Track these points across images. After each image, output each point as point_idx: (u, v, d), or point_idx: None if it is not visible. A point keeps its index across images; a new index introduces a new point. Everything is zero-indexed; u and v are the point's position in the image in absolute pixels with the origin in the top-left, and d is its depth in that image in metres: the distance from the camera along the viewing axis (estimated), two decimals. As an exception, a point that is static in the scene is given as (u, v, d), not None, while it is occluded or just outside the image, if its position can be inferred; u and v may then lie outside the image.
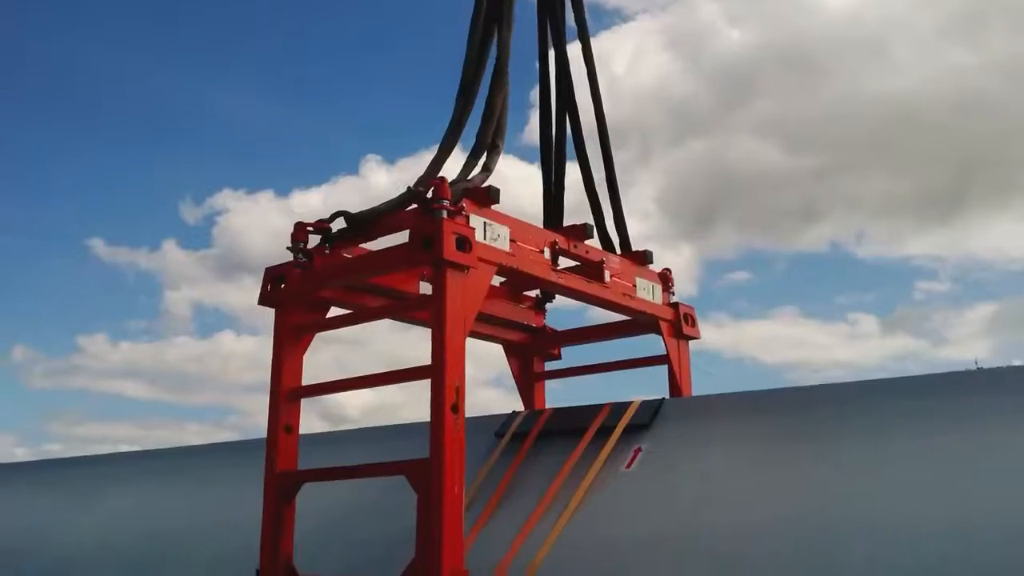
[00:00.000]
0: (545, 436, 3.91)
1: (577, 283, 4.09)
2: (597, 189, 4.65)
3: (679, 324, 4.61)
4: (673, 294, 4.69)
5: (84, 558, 5.02)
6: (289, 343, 3.65)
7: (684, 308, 4.68)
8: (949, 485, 2.79)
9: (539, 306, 5.00)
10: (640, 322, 4.58)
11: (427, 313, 3.32)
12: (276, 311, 3.70)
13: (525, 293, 4.91)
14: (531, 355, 5.02)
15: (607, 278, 4.23)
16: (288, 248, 3.73)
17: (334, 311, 3.83)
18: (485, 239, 3.56)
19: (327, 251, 3.74)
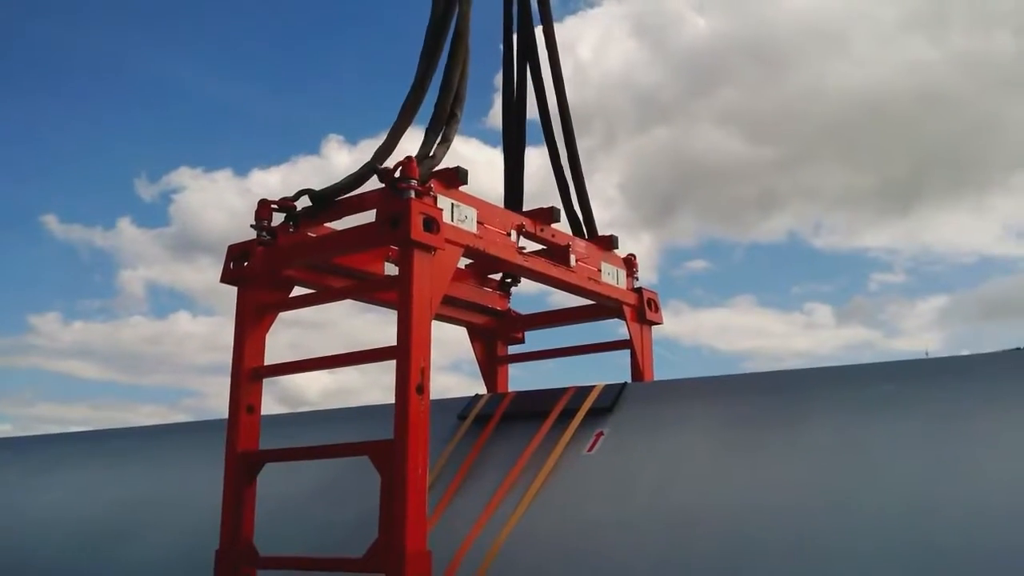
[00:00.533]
0: (508, 419, 3.92)
1: (543, 266, 4.10)
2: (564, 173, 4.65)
3: (643, 309, 4.64)
4: (637, 279, 4.72)
5: (36, 539, 4.93)
6: (251, 322, 3.60)
7: (648, 293, 4.71)
8: (909, 468, 2.85)
9: (503, 289, 5.00)
10: (604, 307, 4.60)
11: (393, 294, 3.30)
12: (239, 289, 3.66)
13: (490, 276, 4.91)
14: (495, 338, 5.02)
15: (573, 262, 4.24)
16: (252, 226, 3.68)
17: (297, 291, 3.79)
18: (452, 220, 3.54)
19: (291, 230, 3.70)
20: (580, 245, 4.40)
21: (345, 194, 3.63)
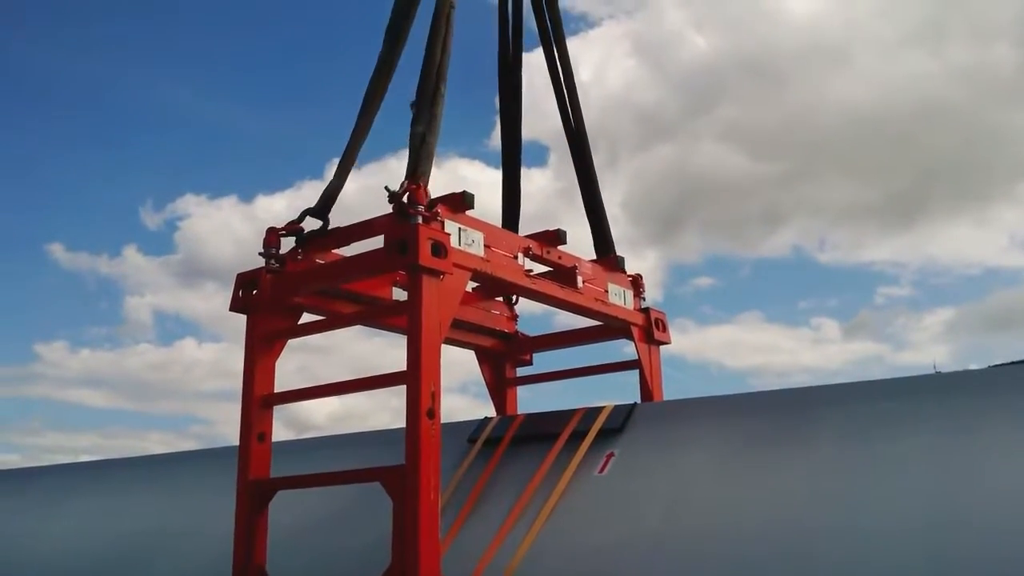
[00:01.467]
0: (518, 441, 3.92)
1: (550, 288, 4.11)
2: (575, 192, 4.71)
3: (650, 329, 4.64)
4: (644, 299, 4.73)
5: (47, 571, 4.92)
6: (261, 350, 3.62)
7: (655, 313, 4.71)
8: (922, 486, 2.84)
9: (509, 306, 5.01)
10: (612, 327, 4.61)
11: (402, 319, 3.31)
12: (248, 317, 3.67)
13: (497, 298, 4.92)
14: (503, 361, 5.03)
15: (580, 283, 4.24)
16: (260, 253, 3.70)
17: (306, 317, 3.81)
18: (460, 245, 3.55)
19: (299, 256, 3.71)
20: (587, 266, 4.41)
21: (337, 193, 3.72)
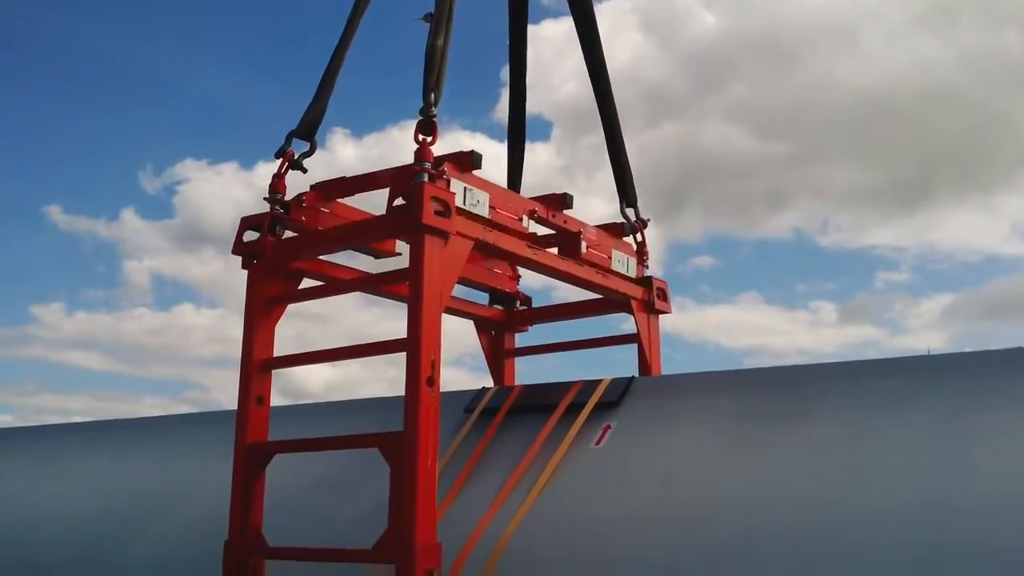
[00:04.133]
0: (515, 412, 3.92)
1: (551, 260, 4.10)
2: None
3: (651, 301, 4.64)
4: (647, 267, 4.72)
5: (40, 532, 4.93)
6: (261, 314, 3.60)
7: (657, 282, 4.71)
8: (918, 462, 2.86)
9: (511, 264, 4.97)
10: (612, 301, 4.61)
11: (403, 287, 3.30)
12: (248, 280, 3.66)
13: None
14: (502, 331, 5.03)
15: (584, 249, 4.23)
16: (265, 198, 3.69)
17: (306, 282, 3.80)
18: (465, 204, 3.53)
19: (303, 203, 3.70)
20: (591, 232, 4.40)
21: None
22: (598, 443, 3.57)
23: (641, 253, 4.71)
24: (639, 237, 4.75)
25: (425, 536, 2.98)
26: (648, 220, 4.80)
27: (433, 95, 3.45)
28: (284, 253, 3.64)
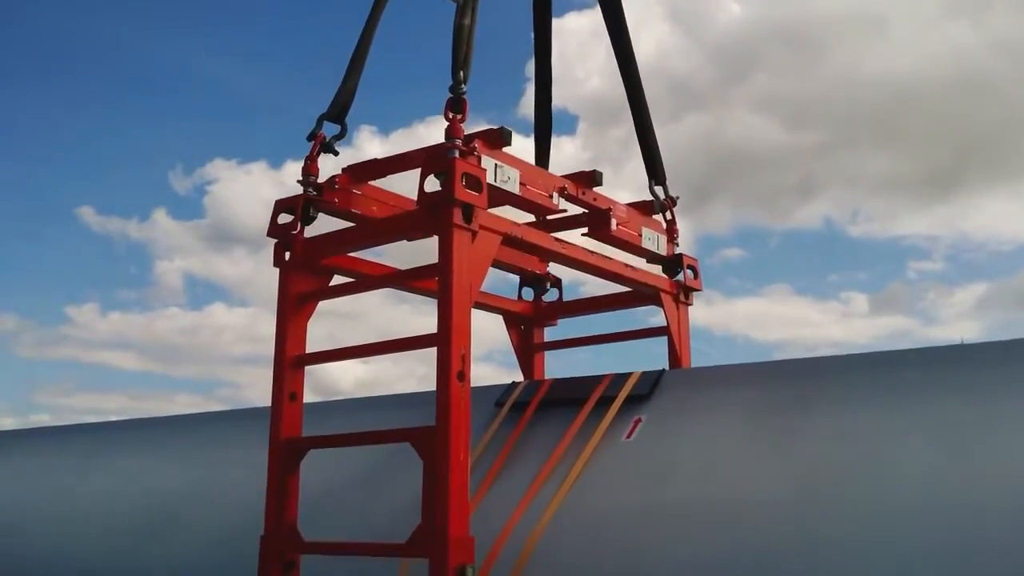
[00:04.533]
0: (545, 406, 3.93)
1: (580, 254, 4.10)
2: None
3: (679, 293, 4.63)
4: (678, 245, 4.69)
5: (81, 527, 5.01)
6: (293, 310, 3.64)
7: (688, 259, 4.69)
8: (952, 454, 2.83)
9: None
10: (641, 294, 4.60)
11: (432, 282, 3.32)
12: (280, 277, 3.69)
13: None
14: (531, 325, 5.04)
15: (614, 226, 4.22)
16: (298, 181, 3.72)
17: (337, 279, 3.83)
18: (496, 181, 3.53)
19: (336, 185, 3.73)
20: (621, 209, 4.38)
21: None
22: (629, 436, 3.57)
23: (671, 231, 4.68)
24: (668, 215, 4.72)
25: (458, 530, 2.99)
26: (677, 198, 4.76)
27: (462, 73, 3.47)
28: (315, 250, 3.68)
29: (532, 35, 4.98)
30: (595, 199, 4.23)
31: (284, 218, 3.71)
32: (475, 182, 3.33)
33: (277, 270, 3.72)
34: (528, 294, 5.06)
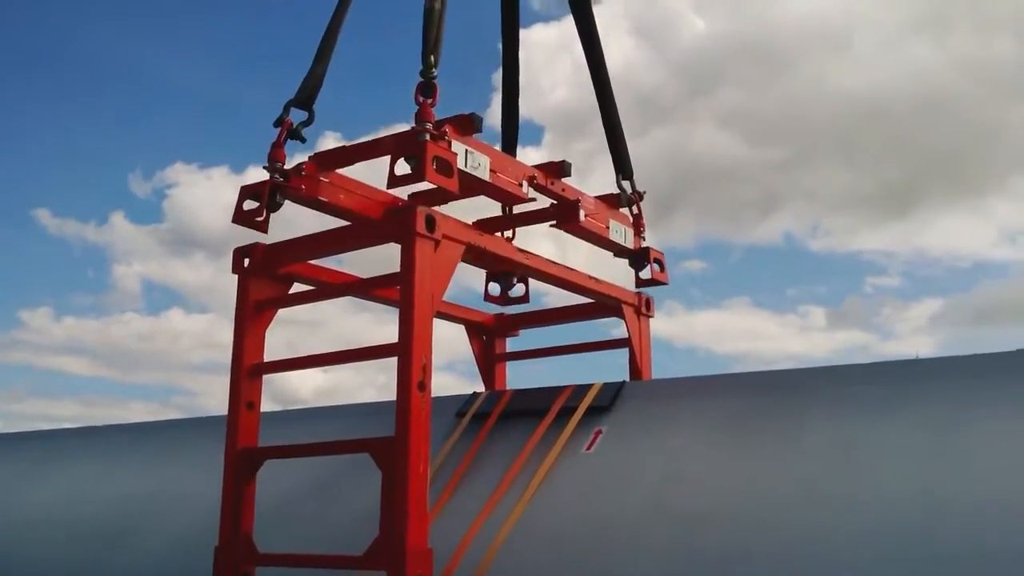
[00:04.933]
0: (506, 417, 3.92)
1: (543, 265, 4.10)
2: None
3: (641, 306, 4.64)
4: (644, 239, 4.69)
5: (32, 535, 4.91)
6: (251, 318, 3.59)
7: (654, 253, 4.69)
8: (907, 466, 2.87)
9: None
10: (603, 305, 4.61)
11: (394, 291, 3.30)
12: (238, 284, 3.64)
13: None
14: (493, 336, 5.03)
15: (582, 217, 4.21)
16: (264, 167, 3.64)
17: (297, 287, 3.78)
18: (466, 167, 3.52)
19: (302, 172, 3.65)
20: (589, 201, 4.38)
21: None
22: (589, 448, 3.57)
23: (638, 225, 4.68)
24: (635, 209, 4.72)
25: (417, 542, 2.97)
26: (644, 192, 4.77)
27: (432, 57, 3.47)
28: (274, 257, 3.63)
29: (499, 45, 4.98)
30: (564, 190, 4.22)
31: (250, 204, 3.63)
32: (446, 166, 3.31)
33: (237, 276, 3.67)
34: (495, 289, 5.00)
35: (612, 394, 3.77)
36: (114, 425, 6.03)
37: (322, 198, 3.71)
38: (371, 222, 3.40)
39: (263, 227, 3.62)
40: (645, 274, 4.68)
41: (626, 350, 4.62)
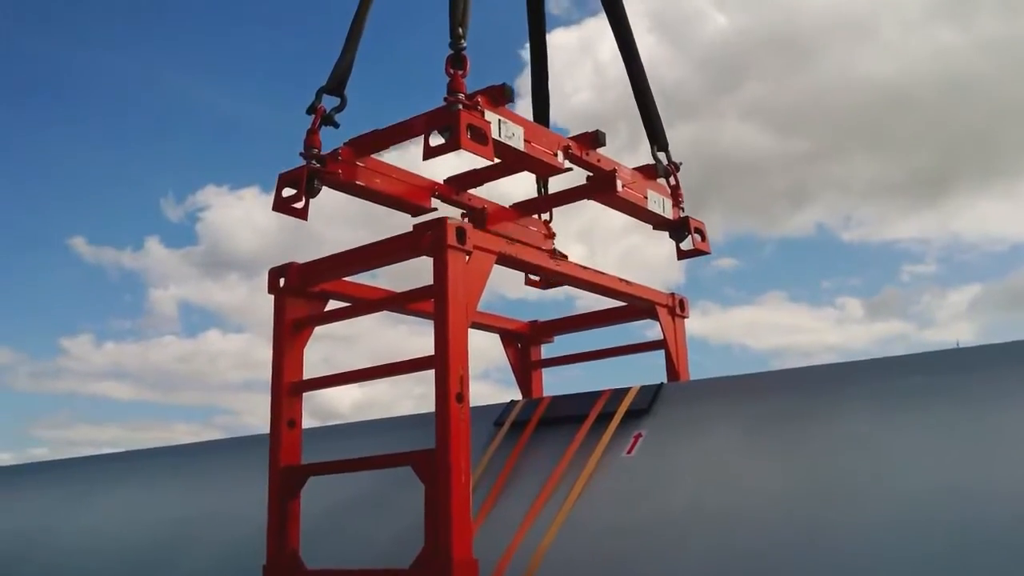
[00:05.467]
0: (545, 424, 3.92)
1: (575, 271, 4.11)
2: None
3: (675, 307, 4.62)
4: (683, 209, 4.61)
5: (79, 562, 4.98)
6: (289, 338, 3.63)
7: (694, 222, 4.60)
8: (950, 459, 2.83)
9: (546, 224, 4.80)
10: (636, 308, 4.60)
11: (428, 304, 3.32)
12: (275, 304, 3.68)
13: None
14: (528, 343, 5.03)
15: (619, 187, 4.15)
16: (300, 154, 3.69)
17: (332, 304, 3.82)
18: (500, 136, 3.52)
19: (339, 157, 3.68)
20: (626, 171, 4.32)
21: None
22: (630, 452, 3.56)
23: (676, 195, 4.60)
24: (672, 180, 4.63)
25: (462, 552, 2.98)
26: (680, 164, 4.68)
27: (461, 29, 3.49)
28: (309, 276, 3.67)
29: (525, 24, 4.91)
30: (599, 160, 4.16)
31: (288, 192, 3.67)
32: (480, 134, 3.32)
33: (273, 296, 3.71)
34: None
35: (650, 397, 3.76)
36: (157, 448, 6.12)
37: (359, 182, 3.72)
38: (403, 236, 3.42)
39: (303, 214, 3.66)
40: (686, 245, 4.58)
41: (662, 351, 4.61)
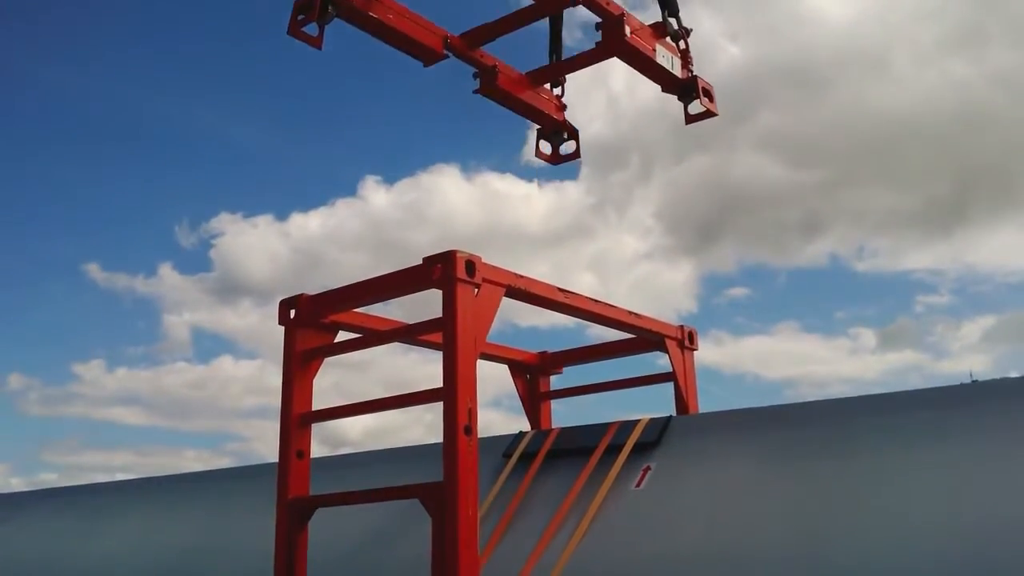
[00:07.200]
0: (553, 456, 3.92)
1: (584, 303, 4.11)
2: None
3: (684, 339, 4.62)
4: (692, 72, 4.50)
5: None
6: (299, 368, 3.65)
7: (703, 83, 4.48)
8: (963, 495, 2.81)
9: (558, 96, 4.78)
10: (645, 339, 4.60)
11: (437, 336, 3.33)
12: (285, 335, 3.71)
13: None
14: (537, 374, 5.04)
15: (627, 33, 4.07)
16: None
17: (342, 335, 3.84)
18: None
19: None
20: (635, 20, 4.23)
21: None
22: (639, 485, 3.56)
23: (685, 58, 4.50)
24: (683, 44, 4.53)
25: (468, 586, 2.97)
26: (691, 29, 4.55)
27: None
28: (319, 307, 3.69)
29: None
30: (607, 3, 4.10)
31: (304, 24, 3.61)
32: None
33: (283, 327, 3.73)
34: (546, 147, 4.89)
35: (659, 429, 3.75)
36: (166, 476, 6.12)
37: (372, 14, 3.70)
38: (410, 270, 3.45)
39: (317, 42, 3.63)
40: (694, 108, 4.50)
41: (671, 383, 4.61)
